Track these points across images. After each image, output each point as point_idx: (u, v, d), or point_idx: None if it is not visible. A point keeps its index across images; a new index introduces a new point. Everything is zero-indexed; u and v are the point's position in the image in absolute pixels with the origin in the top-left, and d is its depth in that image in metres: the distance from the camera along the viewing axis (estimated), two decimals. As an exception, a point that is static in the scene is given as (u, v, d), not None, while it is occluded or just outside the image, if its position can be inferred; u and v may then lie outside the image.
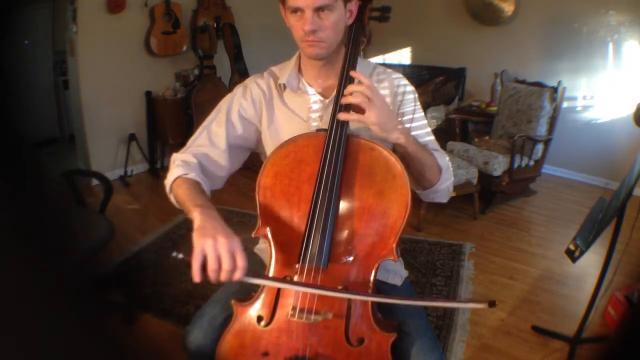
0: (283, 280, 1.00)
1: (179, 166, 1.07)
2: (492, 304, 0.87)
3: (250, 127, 1.21)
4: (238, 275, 0.84)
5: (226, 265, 0.83)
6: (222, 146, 1.15)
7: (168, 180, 1.07)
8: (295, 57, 1.20)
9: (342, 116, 0.99)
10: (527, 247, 2.97)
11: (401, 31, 4.57)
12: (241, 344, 1.02)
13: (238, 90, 1.22)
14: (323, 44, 1.05)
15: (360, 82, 0.99)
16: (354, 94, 0.98)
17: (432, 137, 1.19)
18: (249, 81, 1.23)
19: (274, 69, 1.24)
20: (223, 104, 1.20)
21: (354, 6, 1.08)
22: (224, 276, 0.83)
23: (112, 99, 3.79)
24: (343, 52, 1.14)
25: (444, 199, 1.18)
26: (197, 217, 0.89)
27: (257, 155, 1.28)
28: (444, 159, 1.14)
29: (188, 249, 0.85)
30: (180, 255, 0.85)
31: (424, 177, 1.10)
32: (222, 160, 1.15)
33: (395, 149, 1.06)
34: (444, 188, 1.14)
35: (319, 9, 1.01)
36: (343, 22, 1.07)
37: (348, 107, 1.01)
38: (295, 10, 1.02)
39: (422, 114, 1.21)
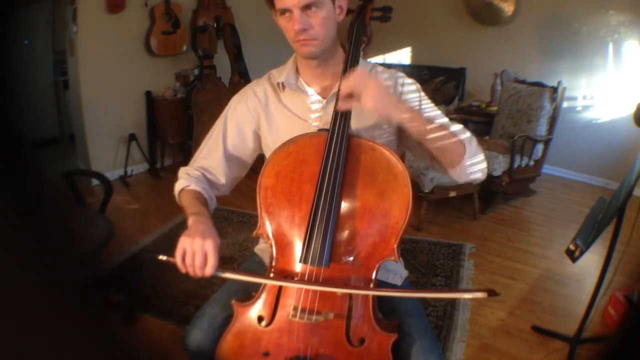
0: (256, 275, 1.02)
1: (182, 178, 1.18)
2: (492, 293, 0.86)
3: (247, 134, 1.22)
4: (208, 271, 0.95)
5: (197, 261, 0.94)
6: (219, 156, 1.22)
7: (175, 192, 1.19)
8: (292, 59, 1.20)
9: (340, 106, 0.99)
10: (527, 247, 2.97)
11: (401, 31, 4.56)
12: (241, 344, 1.02)
13: (235, 99, 1.25)
14: (315, 42, 1.05)
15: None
16: (345, 88, 0.97)
17: (447, 120, 1.12)
18: (247, 89, 1.25)
19: (274, 71, 1.24)
20: (222, 115, 1.25)
21: (343, 2, 1.08)
22: (197, 271, 0.95)
23: (112, 99, 3.79)
24: (338, 52, 1.15)
25: (478, 174, 1.08)
26: (189, 222, 1.02)
27: (260, 156, 1.28)
28: (465, 133, 1.07)
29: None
30: (165, 257, 0.98)
31: (446, 156, 1.04)
32: (220, 169, 1.23)
33: (406, 131, 1.02)
34: (474, 162, 1.06)
35: (306, 7, 1.00)
36: (333, 19, 1.06)
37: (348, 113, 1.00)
38: (284, 11, 1.02)
39: (431, 103, 1.16)
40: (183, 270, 0.96)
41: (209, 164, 1.22)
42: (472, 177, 1.09)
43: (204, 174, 1.21)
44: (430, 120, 1.02)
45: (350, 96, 0.97)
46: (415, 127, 0.99)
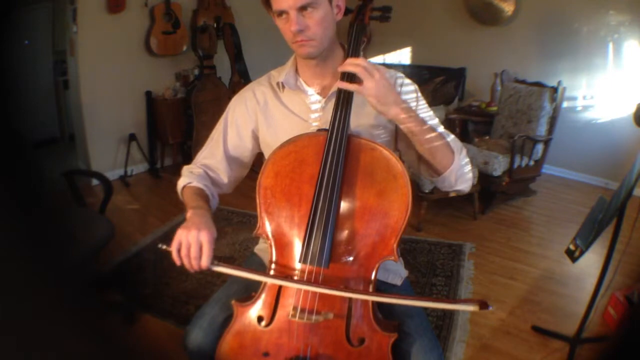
0: (253, 272, 1.00)
1: (185, 176, 1.20)
2: (483, 305, 0.84)
3: (245, 135, 1.23)
4: (203, 262, 0.96)
5: (192, 252, 0.95)
6: (220, 155, 1.24)
7: (178, 189, 1.20)
8: (292, 59, 1.20)
9: (341, 85, 0.99)
10: (527, 247, 2.97)
11: (401, 31, 4.57)
12: (241, 344, 1.02)
13: (235, 100, 1.27)
14: (313, 42, 1.05)
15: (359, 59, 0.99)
16: (353, 65, 0.97)
17: (441, 127, 1.14)
18: (246, 89, 1.26)
19: (274, 72, 1.25)
20: (223, 117, 1.27)
21: (341, 1, 1.09)
22: (192, 262, 0.96)
23: (112, 99, 3.79)
24: (337, 51, 1.15)
25: (464, 185, 1.10)
26: (187, 216, 1.03)
27: (259, 155, 1.28)
28: (456, 142, 1.09)
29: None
30: (164, 247, 0.99)
31: (435, 159, 1.05)
32: (221, 168, 1.24)
33: (398, 128, 1.04)
34: (461, 172, 1.08)
35: (302, 8, 1.01)
36: (330, 18, 1.06)
37: (351, 77, 1.01)
38: (281, 13, 1.03)
39: (427, 106, 1.18)
40: (178, 262, 0.97)
41: (211, 162, 1.24)
42: (458, 187, 1.10)
43: (207, 171, 1.23)
44: (424, 122, 1.03)
45: (352, 80, 0.99)
46: (410, 126, 1.00)
